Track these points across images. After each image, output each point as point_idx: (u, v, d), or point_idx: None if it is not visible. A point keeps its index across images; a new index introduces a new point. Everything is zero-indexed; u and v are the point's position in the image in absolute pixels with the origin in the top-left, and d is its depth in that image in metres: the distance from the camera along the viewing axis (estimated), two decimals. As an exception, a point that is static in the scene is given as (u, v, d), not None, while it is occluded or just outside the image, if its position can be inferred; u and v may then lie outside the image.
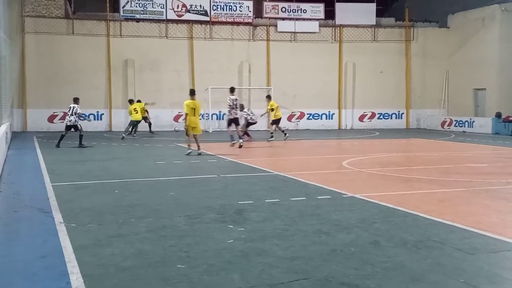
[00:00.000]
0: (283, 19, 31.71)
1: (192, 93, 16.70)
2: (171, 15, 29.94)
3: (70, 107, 19.40)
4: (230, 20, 30.84)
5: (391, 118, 33.32)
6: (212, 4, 30.38)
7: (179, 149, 18.41)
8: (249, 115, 22.19)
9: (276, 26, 31.69)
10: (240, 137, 18.82)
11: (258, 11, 31.58)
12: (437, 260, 5.50)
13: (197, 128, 16.30)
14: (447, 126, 31.28)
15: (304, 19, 31.84)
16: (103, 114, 29.41)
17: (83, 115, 20.34)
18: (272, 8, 31.57)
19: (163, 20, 29.92)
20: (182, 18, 30.21)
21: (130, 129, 24.56)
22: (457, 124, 30.63)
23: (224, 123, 24.87)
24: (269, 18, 31.59)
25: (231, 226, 6.94)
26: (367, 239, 6.32)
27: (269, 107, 23.37)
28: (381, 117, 33.18)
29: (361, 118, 33.01)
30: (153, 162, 14.54)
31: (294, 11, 31.74)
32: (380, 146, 21.09)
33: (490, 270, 5.21)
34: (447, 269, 5.21)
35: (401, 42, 33.11)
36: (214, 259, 5.50)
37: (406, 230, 6.76)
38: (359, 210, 8.02)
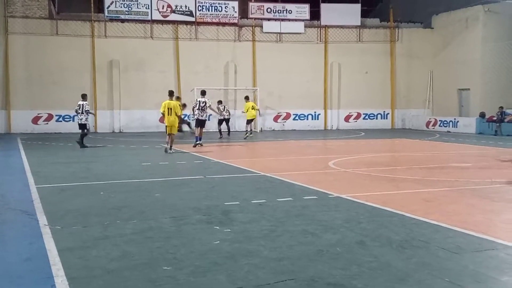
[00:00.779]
0: (269, 19, 31.74)
1: (170, 94, 17.59)
2: (156, 16, 29.83)
3: (80, 104, 18.92)
4: (216, 21, 30.80)
5: (377, 118, 33.49)
6: (197, 4, 30.31)
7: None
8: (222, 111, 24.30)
9: (261, 26, 31.71)
10: (198, 138, 19.15)
11: (243, 12, 31.59)
12: (423, 259, 5.54)
13: (172, 128, 17.05)
14: (432, 126, 31.51)
15: (289, 20, 31.90)
16: (88, 115, 29.19)
17: (91, 112, 19.97)
18: (258, 9, 31.59)
19: (148, 21, 29.80)
20: (167, 18, 30.11)
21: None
22: (441, 124, 30.87)
23: (210, 123, 24.96)
24: (255, 18, 31.61)
25: (218, 227, 6.93)
26: (353, 239, 6.35)
27: (245, 109, 24.54)
28: (367, 117, 33.35)
29: (347, 119, 33.14)
30: (139, 164, 14.47)
31: (279, 11, 31.78)
32: (366, 146, 21.19)
33: (475, 269, 5.25)
34: (433, 268, 5.25)
35: (386, 42, 33.30)
36: (201, 260, 5.49)
37: (392, 229, 6.80)
38: (345, 210, 8.06)
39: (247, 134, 23.99)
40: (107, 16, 29.30)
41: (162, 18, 30.00)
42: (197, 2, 30.26)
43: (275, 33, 31.83)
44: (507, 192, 9.92)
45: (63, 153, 17.63)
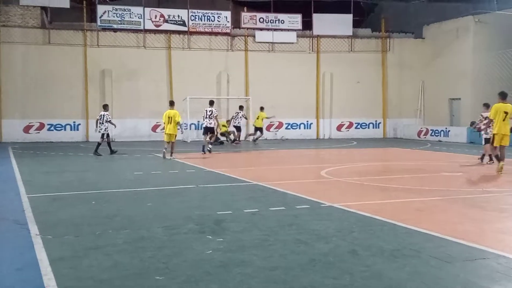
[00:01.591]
0: (261, 29, 31.86)
1: (171, 103, 19.06)
2: (149, 25, 29.86)
3: (101, 115, 19.86)
4: (208, 30, 30.87)
5: (369, 127, 33.60)
6: (190, 14, 30.38)
7: (157, 159, 18.36)
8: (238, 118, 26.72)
9: (254, 36, 31.81)
10: (206, 146, 20.18)
11: (236, 22, 31.68)
12: (415, 268, 5.55)
13: (170, 136, 18.12)
14: (423, 135, 31.65)
15: (282, 30, 32.02)
16: (79, 124, 29.12)
17: (112, 123, 20.48)
18: (250, 19, 31.70)
19: (141, 30, 29.83)
20: (160, 28, 30.14)
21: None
22: (433, 134, 31.00)
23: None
24: (247, 28, 31.72)
25: (210, 237, 6.92)
26: (346, 248, 6.36)
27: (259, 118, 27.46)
28: (359, 126, 33.46)
29: (339, 128, 33.24)
30: (131, 173, 14.43)
31: (272, 21, 31.91)
32: (358, 155, 21.25)
33: (466, 278, 5.27)
34: (425, 277, 5.26)
35: (378, 52, 33.48)
36: (193, 270, 5.48)
37: (384, 239, 6.81)
38: (337, 220, 8.07)
39: (253, 139, 27.14)
40: (100, 26, 29.28)
41: (154, 28, 30.03)
42: (189, 11, 30.34)
43: (268, 42, 31.93)
44: (498, 201, 9.98)
45: (55, 162, 17.57)
